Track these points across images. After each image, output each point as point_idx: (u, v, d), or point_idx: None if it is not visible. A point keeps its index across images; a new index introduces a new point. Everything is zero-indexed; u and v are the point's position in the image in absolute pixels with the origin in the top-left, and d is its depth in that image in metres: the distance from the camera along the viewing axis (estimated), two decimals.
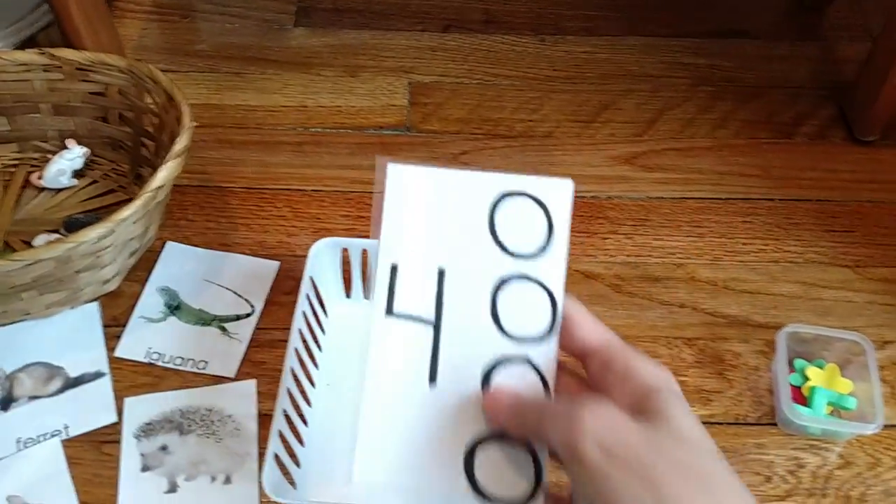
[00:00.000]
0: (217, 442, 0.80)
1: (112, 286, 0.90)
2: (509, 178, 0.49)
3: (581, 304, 0.48)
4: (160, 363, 0.86)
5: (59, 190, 1.00)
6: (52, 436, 0.80)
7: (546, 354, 0.47)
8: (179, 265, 0.94)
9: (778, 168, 1.08)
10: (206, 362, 0.86)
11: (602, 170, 1.08)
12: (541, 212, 0.49)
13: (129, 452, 0.79)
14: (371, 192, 1.01)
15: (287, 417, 0.75)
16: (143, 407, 0.82)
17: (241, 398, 0.84)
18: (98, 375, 0.85)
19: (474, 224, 0.48)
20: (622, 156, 1.10)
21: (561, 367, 0.48)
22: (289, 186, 1.04)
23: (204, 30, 1.26)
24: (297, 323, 0.80)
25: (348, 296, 0.91)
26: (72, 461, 0.79)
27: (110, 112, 1.00)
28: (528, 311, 0.47)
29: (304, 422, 0.80)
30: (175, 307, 0.91)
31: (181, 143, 0.84)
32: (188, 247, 0.96)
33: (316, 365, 0.85)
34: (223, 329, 0.89)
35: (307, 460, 0.79)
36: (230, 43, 1.24)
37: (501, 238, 0.48)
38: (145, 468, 0.78)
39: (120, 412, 0.82)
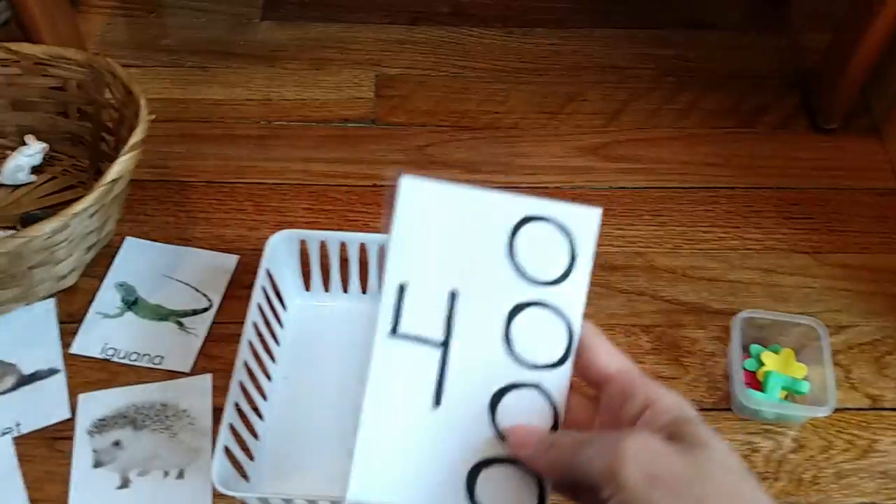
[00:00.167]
0: (171, 437, 0.80)
1: (69, 282, 0.90)
2: (533, 201, 0.47)
3: (600, 331, 0.47)
4: (116, 359, 0.86)
5: (18, 186, 1.00)
6: (3, 433, 0.80)
7: (558, 382, 0.46)
8: (138, 260, 0.94)
9: (740, 157, 1.08)
10: (162, 357, 0.86)
11: (566, 160, 1.08)
12: (564, 238, 0.47)
13: (82, 449, 0.79)
14: (338, 186, 1.02)
15: (240, 411, 0.75)
16: (97, 403, 0.82)
17: (196, 393, 0.83)
18: (52, 372, 0.84)
19: (492, 246, 0.47)
20: (587, 147, 1.10)
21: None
22: (250, 180, 1.03)
23: (170, 24, 1.26)
24: (252, 316, 0.80)
25: (308, 289, 0.91)
26: (23, 458, 0.79)
27: (69, 107, 1.00)
28: (542, 338, 0.46)
29: (260, 415, 0.80)
30: (132, 303, 0.90)
31: (137, 136, 0.84)
32: (147, 242, 0.96)
33: (273, 359, 0.85)
34: (180, 324, 0.89)
35: (261, 454, 0.79)
36: (196, 37, 1.23)
37: (520, 263, 0.47)
38: (98, 464, 0.78)
39: (74, 408, 0.82)
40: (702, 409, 0.82)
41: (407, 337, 0.46)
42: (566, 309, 0.47)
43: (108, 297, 0.91)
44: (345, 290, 0.90)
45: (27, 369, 0.84)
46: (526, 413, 0.46)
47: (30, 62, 0.96)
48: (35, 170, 1.00)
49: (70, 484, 0.77)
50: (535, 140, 1.10)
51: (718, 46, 1.23)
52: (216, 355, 0.87)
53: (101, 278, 0.92)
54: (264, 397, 0.82)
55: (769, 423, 0.83)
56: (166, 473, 0.78)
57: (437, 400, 0.45)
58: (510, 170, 1.06)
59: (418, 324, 0.46)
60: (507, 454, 0.45)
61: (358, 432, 0.44)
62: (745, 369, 0.85)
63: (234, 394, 0.74)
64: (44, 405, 0.82)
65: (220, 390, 0.83)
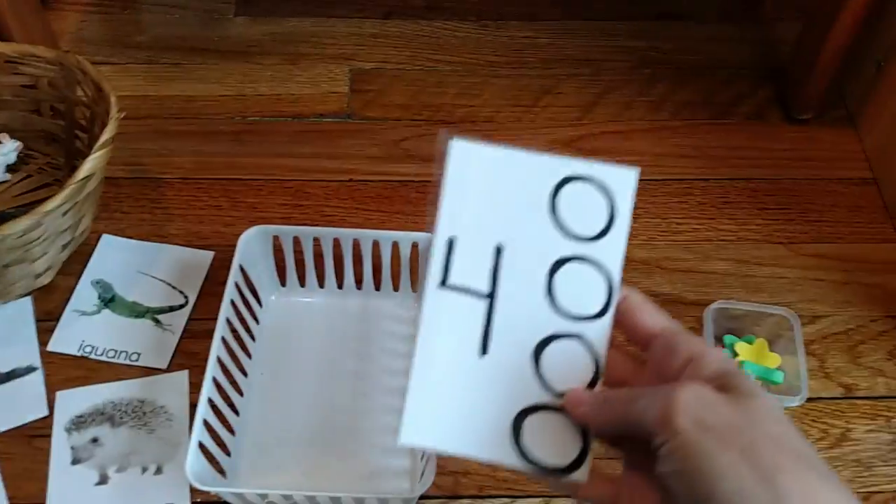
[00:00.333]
0: (149, 433, 0.80)
1: (45, 280, 0.89)
2: (574, 162, 0.50)
3: (645, 296, 0.49)
4: (93, 356, 0.86)
5: None
6: None
7: (599, 333, 0.48)
8: (114, 258, 0.94)
9: (714, 148, 1.09)
10: (139, 354, 0.86)
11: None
12: (603, 197, 0.49)
13: (60, 446, 0.79)
14: (313, 181, 1.02)
15: (214, 406, 0.75)
16: (75, 400, 0.82)
17: (173, 389, 0.83)
18: (30, 370, 0.84)
19: (535, 204, 0.49)
20: (561, 140, 1.10)
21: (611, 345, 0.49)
22: (225, 176, 1.03)
23: (144, 21, 1.25)
24: (225, 312, 0.80)
25: (283, 285, 0.91)
26: (1, 456, 0.79)
27: (42, 105, 0.99)
28: (583, 291, 0.49)
29: (236, 411, 0.80)
30: (109, 300, 0.90)
31: (107, 133, 0.84)
32: (123, 239, 0.96)
33: (249, 355, 0.85)
34: (156, 321, 0.89)
35: (238, 449, 0.79)
36: (170, 34, 1.23)
37: (562, 220, 0.49)
38: (76, 461, 0.78)
39: (51, 406, 0.82)
40: None
41: (455, 288, 0.48)
42: (606, 263, 0.49)
43: (84, 294, 0.91)
44: (321, 286, 0.91)
45: (4, 367, 0.84)
46: (569, 362, 0.48)
47: (0, 60, 0.96)
48: (10, 168, 0.99)
49: (48, 481, 0.77)
50: (511, 133, 1.11)
51: (693, 38, 1.24)
52: (193, 352, 0.87)
53: (78, 276, 0.92)
54: (240, 393, 0.82)
55: None
56: (144, 469, 0.78)
57: (484, 349, 0.48)
58: None
59: (466, 276, 0.48)
60: (551, 402, 0.47)
61: (410, 379, 0.47)
62: None
63: (207, 389, 0.74)
64: (21, 403, 0.82)
65: (196, 387, 0.82)
